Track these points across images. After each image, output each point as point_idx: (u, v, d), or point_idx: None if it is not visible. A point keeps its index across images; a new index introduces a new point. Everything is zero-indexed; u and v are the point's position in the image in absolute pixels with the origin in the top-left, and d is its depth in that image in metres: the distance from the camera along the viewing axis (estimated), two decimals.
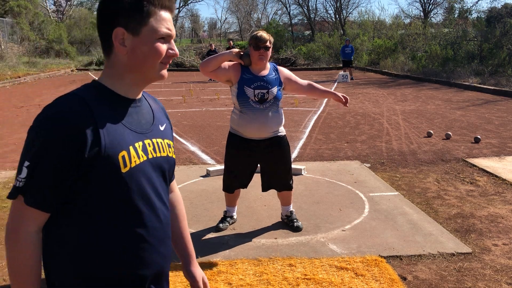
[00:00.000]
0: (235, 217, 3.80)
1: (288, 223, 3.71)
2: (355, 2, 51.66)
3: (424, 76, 17.86)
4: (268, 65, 3.45)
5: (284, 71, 3.54)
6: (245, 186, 3.65)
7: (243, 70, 3.37)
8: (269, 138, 3.43)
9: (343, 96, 3.44)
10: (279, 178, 3.57)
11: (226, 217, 3.73)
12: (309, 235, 3.53)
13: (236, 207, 3.79)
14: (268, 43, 3.31)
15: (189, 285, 2.76)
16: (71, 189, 1.11)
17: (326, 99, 12.05)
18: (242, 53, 3.35)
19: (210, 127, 8.16)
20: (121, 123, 1.16)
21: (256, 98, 3.32)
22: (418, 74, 18.72)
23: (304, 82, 3.61)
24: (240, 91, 3.35)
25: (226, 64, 3.35)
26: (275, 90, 3.37)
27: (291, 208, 3.76)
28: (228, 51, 3.37)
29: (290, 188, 3.65)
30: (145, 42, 1.14)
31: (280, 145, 3.49)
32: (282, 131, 3.53)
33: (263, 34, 3.33)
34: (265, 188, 3.70)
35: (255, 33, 3.37)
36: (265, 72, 3.39)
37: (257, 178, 4.78)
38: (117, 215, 1.14)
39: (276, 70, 3.48)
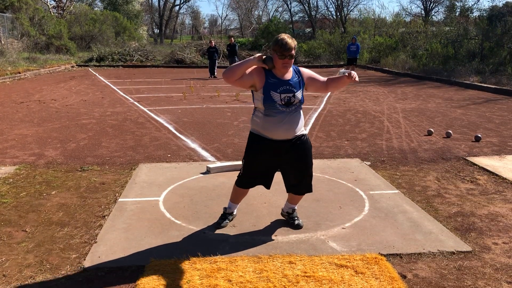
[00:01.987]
0: (235, 213, 3.79)
1: (288, 221, 3.70)
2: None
3: (425, 75, 17.84)
4: (290, 67, 3.37)
5: (305, 71, 3.48)
6: (267, 184, 3.59)
7: (267, 74, 3.29)
8: (293, 138, 3.38)
9: (349, 73, 3.34)
10: (302, 178, 3.51)
11: (226, 214, 3.72)
12: (309, 233, 3.53)
13: (238, 204, 3.78)
14: (293, 51, 3.23)
15: (189, 281, 2.76)
16: None
17: (327, 97, 12.05)
18: (264, 56, 3.27)
19: (210, 124, 8.15)
20: None
21: (282, 102, 3.27)
22: (418, 73, 18.70)
23: (324, 78, 3.54)
24: (266, 96, 3.27)
25: (249, 69, 3.28)
26: (299, 94, 3.33)
27: (294, 206, 3.75)
28: (251, 57, 3.27)
29: (310, 190, 3.60)
30: None
31: (303, 144, 3.44)
32: (304, 130, 3.50)
33: (288, 40, 3.20)
34: (289, 188, 3.63)
35: (280, 38, 3.22)
36: (288, 76, 3.33)
37: None
38: None
39: (299, 72, 3.41)
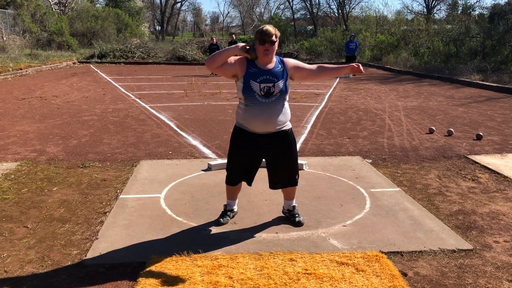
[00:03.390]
0: (235, 210, 3.79)
1: (289, 218, 3.71)
2: None
3: (427, 73, 17.81)
4: (274, 58, 3.37)
5: (290, 60, 3.47)
6: (249, 180, 3.62)
7: (248, 64, 3.31)
8: (275, 132, 3.39)
9: (356, 64, 3.37)
10: (285, 174, 3.55)
11: (227, 211, 3.73)
12: (310, 230, 3.53)
13: (236, 200, 3.78)
14: (273, 37, 3.24)
15: (190, 278, 2.76)
16: None
17: (328, 94, 12.03)
18: (248, 47, 3.30)
19: (211, 121, 8.15)
20: None
21: (262, 92, 3.27)
22: (420, 70, 18.66)
23: (313, 66, 3.54)
24: (246, 85, 3.29)
25: (232, 58, 3.29)
26: (281, 83, 3.32)
27: (294, 203, 3.75)
28: (233, 45, 3.31)
29: (295, 184, 3.63)
30: None
31: (285, 140, 3.45)
32: (288, 125, 3.49)
33: (269, 28, 3.25)
34: (272, 185, 3.66)
35: (261, 27, 3.30)
36: (271, 66, 3.33)
37: (260, 173, 4.78)
38: None
39: (282, 62, 3.41)
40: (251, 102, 3.31)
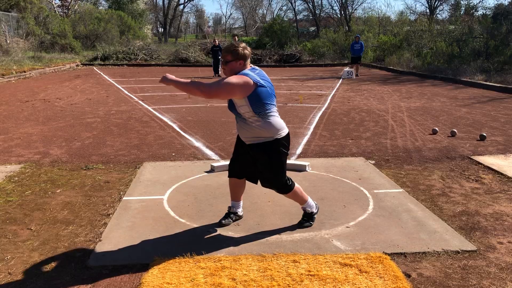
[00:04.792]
0: (240, 213, 3.77)
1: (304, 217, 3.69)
2: None
3: (430, 73, 17.77)
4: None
5: None
6: (238, 175, 3.61)
7: None
8: (250, 144, 3.41)
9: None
10: (267, 182, 3.49)
11: (230, 213, 3.73)
12: (313, 232, 3.53)
13: (240, 202, 3.77)
14: (227, 57, 3.26)
15: (193, 279, 2.77)
16: None
17: (331, 96, 12.03)
18: None
19: (214, 123, 8.15)
20: None
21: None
22: (423, 71, 18.63)
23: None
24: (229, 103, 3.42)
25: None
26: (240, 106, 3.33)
27: (305, 207, 3.65)
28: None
29: (280, 192, 3.51)
30: None
31: (260, 152, 3.38)
32: (265, 138, 3.34)
33: (229, 45, 3.31)
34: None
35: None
36: None
37: None
38: None
39: None
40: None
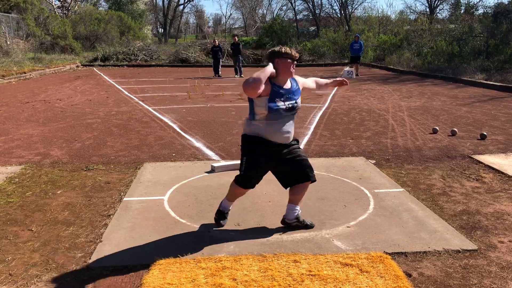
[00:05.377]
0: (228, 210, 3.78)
1: (299, 226, 3.61)
2: None
3: (430, 72, 17.76)
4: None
5: (299, 79, 3.63)
6: (253, 187, 3.61)
7: (272, 83, 3.39)
8: (288, 142, 3.51)
9: (341, 80, 3.73)
10: (310, 168, 3.56)
11: (225, 213, 3.69)
12: (314, 231, 3.53)
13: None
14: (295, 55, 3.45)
15: (194, 280, 2.77)
16: None
17: (331, 95, 12.02)
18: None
19: (215, 123, 8.15)
20: None
21: (286, 108, 3.39)
22: (423, 70, 18.62)
23: (312, 82, 3.75)
24: (271, 103, 3.36)
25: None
26: (299, 100, 3.52)
27: (298, 210, 3.62)
28: (269, 66, 3.34)
29: (310, 178, 3.55)
30: None
31: (297, 146, 3.64)
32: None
33: (284, 47, 3.44)
34: (287, 184, 3.63)
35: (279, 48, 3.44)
36: (288, 85, 3.46)
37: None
38: None
39: (295, 81, 3.55)
40: (275, 116, 3.36)
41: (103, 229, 3.60)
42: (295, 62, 3.40)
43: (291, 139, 3.51)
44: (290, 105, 3.38)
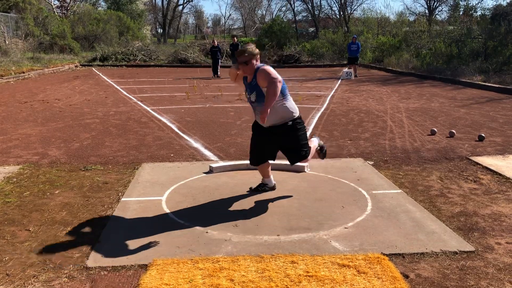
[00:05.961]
0: (271, 185, 4.52)
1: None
2: None
3: (428, 74, 17.78)
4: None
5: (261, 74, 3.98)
6: (258, 162, 4.33)
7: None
8: (275, 125, 4.07)
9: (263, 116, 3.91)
10: (298, 151, 4.18)
11: (262, 184, 4.48)
12: (311, 232, 3.53)
13: (271, 177, 4.50)
14: (242, 58, 3.98)
15: (191, 280, 2.77)
16: None
17: (330, 96, 12.03)
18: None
19: (213, 124, 8.16)
20: None
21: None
22: (422, 72, 18.64)
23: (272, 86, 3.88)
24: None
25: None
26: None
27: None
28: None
29: (305, 157, 4.22)
30: None
31: (285, 132, 4.08)
32: (289, 118, 4.08)
33: (242, 48, 4.03)
34: (291, 161, 4.30)
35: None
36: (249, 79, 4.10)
37: (258, 175, 4.77)
38: None
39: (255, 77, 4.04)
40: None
41: (101, 229, 3.60)
42: (243, 63, 3.97)
43: (267, 123, 4.03)
44: (248, 98, 4.14)
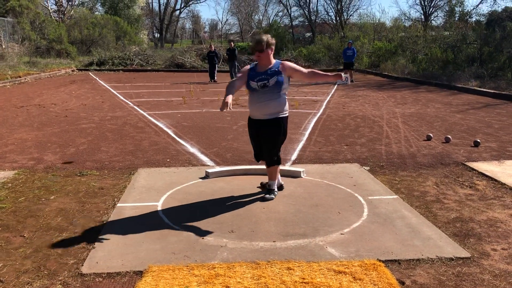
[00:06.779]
0: (279, 183, 4.66)
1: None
2: (356, 4, 51.70)
3: (424, 79, 17.86)
4: (273, 61, 4.30)
5: (287, 63, 4.35)
6: (258, 157, 4.53)
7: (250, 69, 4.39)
8: (265, 119, 4.28)
9: (337, 74, 4.32)
10: (269, 151, 4.34)
11: (273, 191, 4.50)
12: (307, 238, 3.52)
13: (277, 179, 4.55)
14: (262, 46, 4.17)
15: (187, 287, 2.76)
16: None
17: (326, 101, 12.06)
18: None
19: (209, 129, 8.15)
20: None
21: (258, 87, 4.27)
22: (418, 77, 18.73)
23: (306, 70, 4.42)
24: (247, 84, 4.35)
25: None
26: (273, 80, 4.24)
27: (273, 186, 4.45)
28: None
29: (272, 164, 4.38)
30: None
31: (273, 125, 4.29)
32: (282, 113, 4.36)
33: (258, 38, 4.23)
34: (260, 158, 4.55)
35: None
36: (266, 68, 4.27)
37: (255, 180, 4.76)
38: None
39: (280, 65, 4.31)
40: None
41: (96, 235, 3.58)
42: (259, 51, 4.18)
43: (262, 117, 4.25)
44: (261, 84, 4.22)
